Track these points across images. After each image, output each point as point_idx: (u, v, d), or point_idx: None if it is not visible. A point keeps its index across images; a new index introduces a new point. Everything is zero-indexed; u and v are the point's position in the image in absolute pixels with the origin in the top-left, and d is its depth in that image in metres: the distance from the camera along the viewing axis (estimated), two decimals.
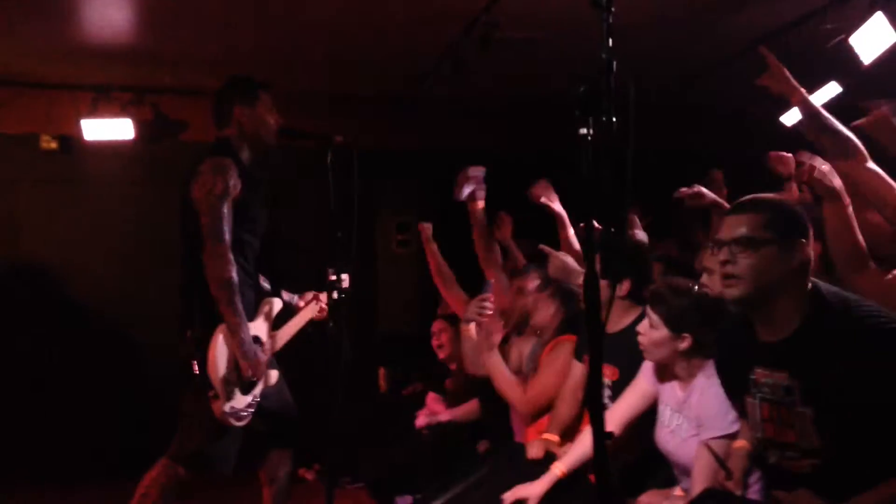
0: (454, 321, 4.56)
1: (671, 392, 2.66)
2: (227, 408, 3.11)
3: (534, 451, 3.04)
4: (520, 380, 3.51)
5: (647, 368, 2.77)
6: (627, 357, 2.82)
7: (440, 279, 4.51)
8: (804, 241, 2.05)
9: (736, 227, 2.07)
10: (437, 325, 4.80)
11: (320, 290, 3.63)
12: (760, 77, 2.84)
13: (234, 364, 3.14)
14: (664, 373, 2.69)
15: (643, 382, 2.78)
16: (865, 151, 2.62)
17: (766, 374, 2.05)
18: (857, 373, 1.87)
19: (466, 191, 4.16)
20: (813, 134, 2.69)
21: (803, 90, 2.76)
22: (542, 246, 3.77)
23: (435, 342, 4.76)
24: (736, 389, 2.20)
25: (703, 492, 2.27)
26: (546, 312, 3.54)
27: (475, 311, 3.56)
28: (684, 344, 2.54)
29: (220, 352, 3.09)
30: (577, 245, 4.01)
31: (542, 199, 4.12)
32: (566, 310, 3.51)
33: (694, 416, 2.53)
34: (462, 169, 4.23)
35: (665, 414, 2.68)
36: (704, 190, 3.46)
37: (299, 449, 3.74)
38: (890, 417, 1.87)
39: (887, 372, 1.84)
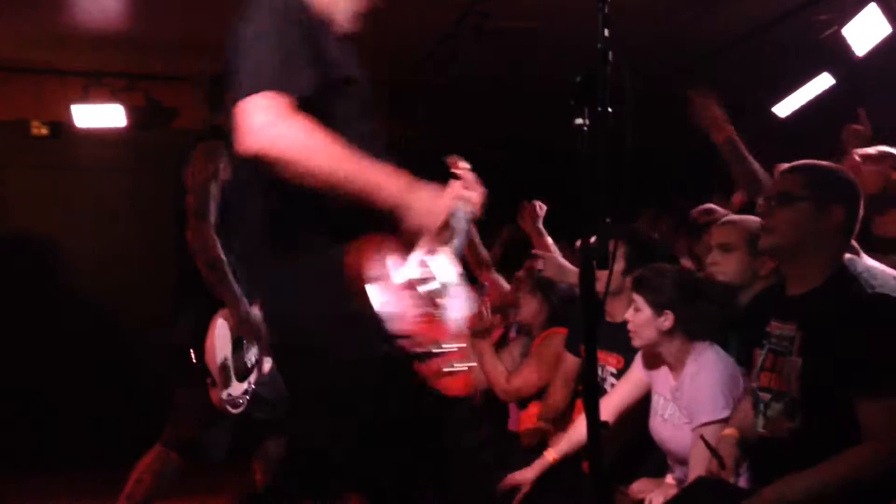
0: None
1: (664, 380, 2.68)
2: (224, 395, 3.12)
3: (528, 439, 3.06)
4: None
5: (640, 358, 2.79)
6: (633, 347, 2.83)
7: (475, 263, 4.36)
8: (841, 206, 2.13)
9: (779, 183, 2.23)
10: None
11: None
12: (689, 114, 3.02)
13: (231, 351, 3.15)
14: (655, 361, 2.71)
15: (637, 372, 2.80)
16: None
17: (779, 326, 2.14)
18: (846, 336, 1.96)
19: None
20: (728, 157, 3.08)
21: (730, 128, 3.16)
22: (535, 250, 3.76)
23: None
24: (755, 343, 2.25)
25: (695, 479, 2.29)
26: (529, 308, 3.56)
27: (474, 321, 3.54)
28: (667, 322, 2.55)
29: (218, 339, 3.11)
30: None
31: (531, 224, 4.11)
32: (550, 303, 3.52)
33: (685, 403, 2.55)
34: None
35: (658, 403, 2.70)
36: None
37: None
38: (857, 384, 1.94)
39: (868, 340, 1.92)
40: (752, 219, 2.72)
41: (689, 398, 2.53)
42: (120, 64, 5.93)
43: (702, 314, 2.56)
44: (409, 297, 1.77)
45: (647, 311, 2.60)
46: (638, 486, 2.71)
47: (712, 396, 2.44)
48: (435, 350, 1.77)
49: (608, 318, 2.94)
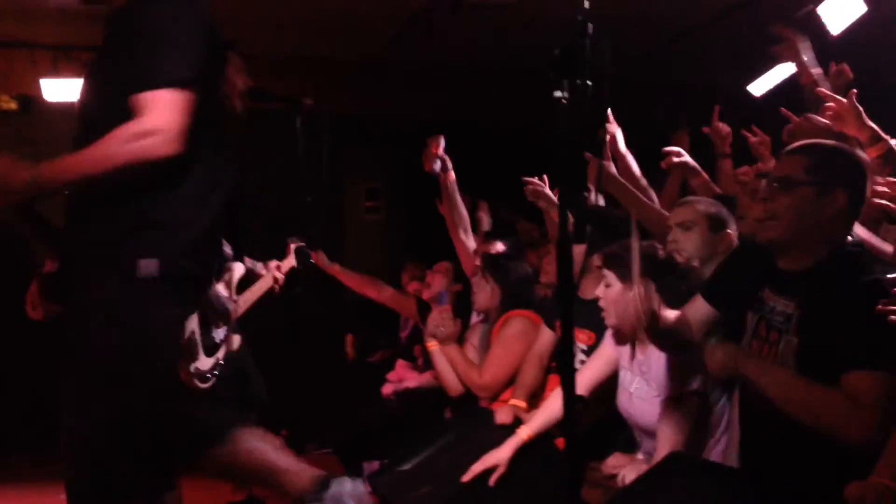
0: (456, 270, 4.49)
1: (630, 355, 2.69)
2: (192, 368, 3.10)
3: (502, 417, 3.06)
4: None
5: (609, 334, 2.80)
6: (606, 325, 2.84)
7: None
8: (845, 189, 2.05)
9: (781, 166, 2.14)
10: (438, 265, 4.59)
11: (282, 259, 3.63)
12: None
13: (197, 324, 3.13)
14: (623, 336, 2.72)
15: (607, 348, 2.81)
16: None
17: (774, 298, 2.09)
18: (848, 316, 1.92)
19: (437, 163, 4.08)
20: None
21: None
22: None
23: (427, 278, 4.59)
24: (738, 303, 2.20)
25: (667, 455, 2.30)
26: (484, 294, 3.53)
27: (434, 326, 3.52)
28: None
29: None
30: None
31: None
32: (503, 286, 3.48)
33: (653, 376, 2.57)
34: (428, 141, 4.13)
35: (625, 377, 2.71)
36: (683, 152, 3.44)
37: (266, 414, 3.72)
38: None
39: (869, 317, 1.86)
40: (708, 199, 2.83)
41: (657, 370, 2.55)
42: (89, 38, 5.81)
43: (670, 287, 2.57)
44: None
45: (617, 286, 2.62)
46: (611, 462, 2.73)
47: (678, 366, 2.46)
48: None
49: (578, 295, 2.95)
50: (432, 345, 3.58)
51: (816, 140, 2.20)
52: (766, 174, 2.65)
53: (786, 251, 2.11)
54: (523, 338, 3.34)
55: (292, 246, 3.72)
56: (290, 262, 3.72)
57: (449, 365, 3.55)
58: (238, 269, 3.42)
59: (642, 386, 2.63)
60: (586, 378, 2.79)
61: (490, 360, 3.41)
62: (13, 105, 6.04)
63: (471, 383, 3.46)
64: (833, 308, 1.95)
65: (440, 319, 3.53)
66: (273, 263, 3.65)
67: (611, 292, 2.64)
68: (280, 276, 3.59)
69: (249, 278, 3.53)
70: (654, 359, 2.57)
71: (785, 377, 1.95)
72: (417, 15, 5.11)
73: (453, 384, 3.59)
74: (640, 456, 2.72)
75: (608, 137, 3.29)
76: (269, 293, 3.59)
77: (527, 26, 5.24)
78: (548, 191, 3.56)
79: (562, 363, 1.65)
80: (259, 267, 3.61)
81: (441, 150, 3.90)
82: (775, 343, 2.05)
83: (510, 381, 3.37)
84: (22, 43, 5.83)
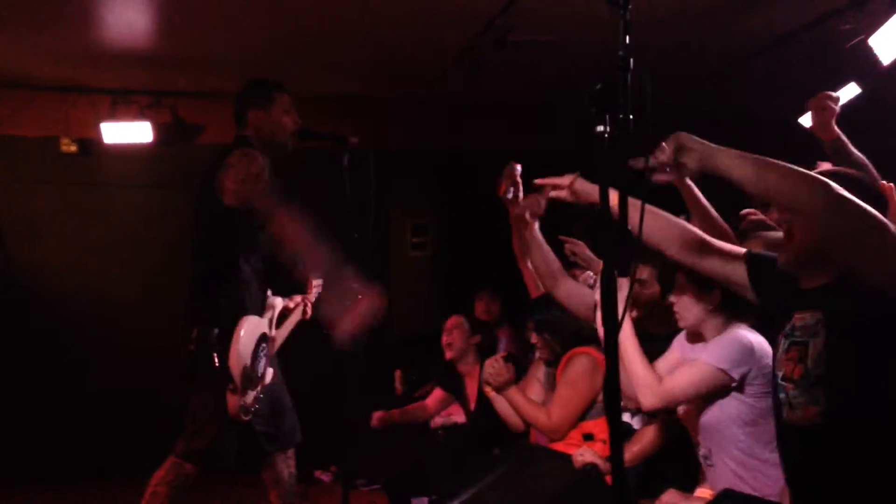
0: (472, 321, 4.52)
1: (695, 354, 2.67)
2: (241, 402, 3.14)
3: (584, 458, 2.99)
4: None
5: (678, 338, 2.79)
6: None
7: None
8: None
9: None
10: (451, 321, 4.59)
11: (304, 293, 3.83)
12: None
13: (252, 358, 3.18)
14: (697, 338, 2.71)
15: (674, 353, 2.79)
16: None
17: (802, 317, 2.10)
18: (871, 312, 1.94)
19: (511, 192, 3.98)
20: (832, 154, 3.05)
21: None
22: (563, 238, 3.69)
23: (445, 339, 4.64)
24: (777, 331, 2.22)
25: (721, 492, 2.26)
26: (544, 351, 3.55)
27: (489, 374, 3.52)
28: (714, 300, 2.58)
29: (243, 345, 3.12)
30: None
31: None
32: (560, 339, 3.46)
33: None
34: (508, 165, 4.04)
35: None
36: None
37: (315, 451, 3.73)
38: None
39: None
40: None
41: (705, 349, 2.56)
42: (147, 81, 6.01)
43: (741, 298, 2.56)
44: None
45: (691, 291, 2.61)
46: (666, 499, 2.68)
47: (721, 346, 2.50)
48: None
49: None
50: (490, 391, 3.59)
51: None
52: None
53: (807, 271, 2.11)
54: (588, 375, 3.31)
55: (313, 281, 3.87)
56: (315, 294, 3.89)
57: (510, 409, 3.56)
58: (278, 305, 3.54)
59: None
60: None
61: (556, 400, 3.37)
62: (73, 148, 6.22)
63: (540, 426, 3.41)
64: (859, 306, 1.96)
65: (494, 368, 3.51)
66: (298, 297, 3.80)
67: (684, 299, 2.62)
68: (309, 306, 3.78)
69: (283, 313, 3.68)
70: (710, 345, 2.58)
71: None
72: (463, 52, 5.17)
73: (515, 424, 3.63)
74: (697, 493, 2.67)
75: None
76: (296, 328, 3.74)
77: (570, 61, 5.27)
78: (586, 250, 3.54)
79: (607, 397, 1.64)
80: (285, 302, 3.73)
81: (518, 177, 3.87)
82: (805, 345, 2.05)
83: (577, 421, 3.34)
84: (82, 87, 6.05)
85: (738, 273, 2.23)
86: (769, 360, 2.39)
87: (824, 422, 2.00)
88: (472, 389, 4.36)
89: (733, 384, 2.48)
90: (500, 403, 3.60)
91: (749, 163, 1.93)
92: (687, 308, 2.63)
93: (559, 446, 3.24)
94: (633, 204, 2.03)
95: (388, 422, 4.67)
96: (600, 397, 3.26)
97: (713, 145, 2.00)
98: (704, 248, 2.26)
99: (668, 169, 2.01)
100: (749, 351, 2.48)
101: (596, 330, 3.43)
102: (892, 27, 4.40)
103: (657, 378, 2.55)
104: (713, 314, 2.60)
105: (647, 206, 1.89)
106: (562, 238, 3.63)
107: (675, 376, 2.54)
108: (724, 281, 2.30)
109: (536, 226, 3.25)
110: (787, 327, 2.14)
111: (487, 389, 3.61)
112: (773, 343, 2.22)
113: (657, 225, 2.27)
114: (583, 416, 3.31)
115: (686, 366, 2.58)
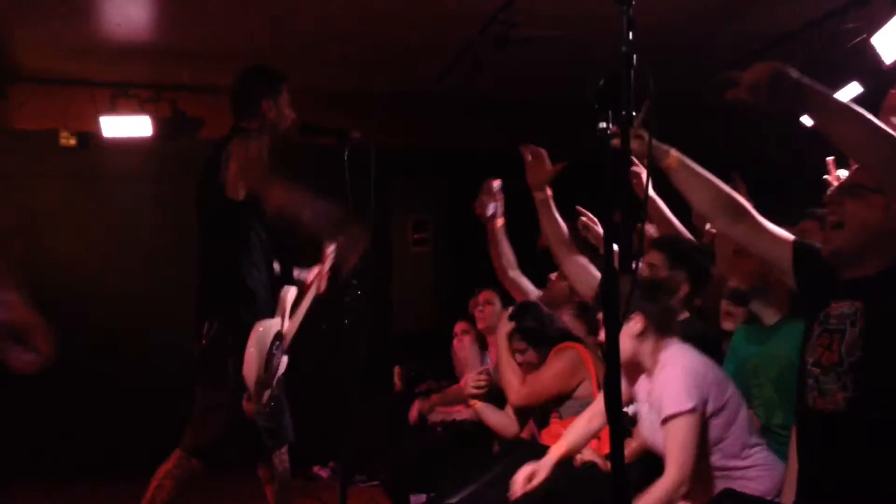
0: (502, 294, 4.47)
1: (642, 387, 2.65)
2: (256, 407, 3.14)
3: (583, 457, 3.00)
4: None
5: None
6: None
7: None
8: None
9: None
10: (460, 326, 4.64)
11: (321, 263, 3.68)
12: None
13: (265, 362, 3.16)
14: (634, 371, 2.66)
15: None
16: None
17: (839, 306, 2.11)
18: None
19: (491, 208, 4.00)
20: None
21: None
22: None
23: (456, 343, 4.61)
24: (813, 318, 2.22)
25: (721, 492, 2.26)
26: (529, 356, 3.56)
27: (473, 386, 3.65)
28: (637, 325, 2.53)
29: (255, 350, 3.11)
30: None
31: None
32: (546, 343, 3.48)
33: (656, 400, 2.52)
34: (486, 183, 4.04)
35: (643, 410, 2.68)
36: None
37: (314, 446, 3.72)
38: None
39: None
40: None
41: (657, 395, 2.51)
42: (147, 75, 6.00)
43: (666, 310, 2.59)
44: None
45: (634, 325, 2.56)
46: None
47: (675, 388, 2.42)
48: None
49: None
50: (476, 403, 3.70)
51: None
52: None
53: (850, 261, 2.11)
54: (571, 365, 3.36)
55: (328, 250, 3.71)
56: (329, 263, 3.73)
57: (496, 417, 3.64)
58: (291, 293, 3.48)
59: (652, 414, 2.58)
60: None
61: (536, 376, 3.44)
62: (73, 141, 6.21)
63: (510, 388, 3.48)
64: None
65: (475, 381, 3.69)
66: (315, 269, 3.67)
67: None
68: (324, 280, 3.63)
69: (296, 300, 3.60)
70: (657, 384, 2.53)
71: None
72: (465, 49, 5.16)
73: (508, 433, 3.65)
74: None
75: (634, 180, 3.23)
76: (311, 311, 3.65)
77: (573, 58, 5.26)
78: (599, 228, 3.54)
79: (608, 396, 1.63)
80: (304, 275, 3.65)
81: (497, 194, 3.87)
82: (840, 332, 2.06)
83: (545, 404, 3.41)
84: (81, 81, 6.03)
85: (784, 258, 2.25)
86: (713, 372, 2.43)
87: (848, 408, 2.01)
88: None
89: (707, 413, 2.43)
90: (489, 416, 3.66)
91: (835, 113, 1.98)
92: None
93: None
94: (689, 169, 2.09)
95: (430, 410, 4.59)
96: (595, 394, 3.25)
97: (812, 85, 2.02)
98: (755, 226, 2.28)
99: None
100: (695, 374, 2.44)
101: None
102: (895, 26, 4.39)
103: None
104: (642, 339, 2.54)
105: (702, 175, 2.06)
106: (578, 209, 3.61)
107: (668, 451, 2.42)
108: (765, 260, 2.33)
109: (551, 201, 3.28)
110: (822, 315, 2.15)
111: (473, 402, 3.70)
112: (808, 330, 2.21)
113: (707, 197, 2.33)
114: (572, 412, 3.30)
115: (661, 433, 2.48)
